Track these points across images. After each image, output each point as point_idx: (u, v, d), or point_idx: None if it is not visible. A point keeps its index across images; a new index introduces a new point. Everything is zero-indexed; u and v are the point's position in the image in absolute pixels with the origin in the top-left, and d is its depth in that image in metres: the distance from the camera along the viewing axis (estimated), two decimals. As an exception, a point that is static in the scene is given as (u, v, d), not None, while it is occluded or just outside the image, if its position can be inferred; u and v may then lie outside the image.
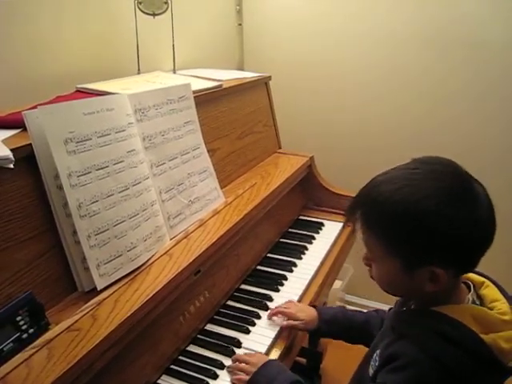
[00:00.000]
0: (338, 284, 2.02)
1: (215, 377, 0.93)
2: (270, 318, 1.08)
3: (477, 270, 0.76)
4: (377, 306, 1.25)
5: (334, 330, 1.06)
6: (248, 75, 1.64)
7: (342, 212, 1.35)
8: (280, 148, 1.73)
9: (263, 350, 1.00)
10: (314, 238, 1.48)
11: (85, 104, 0.90)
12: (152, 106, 1.07)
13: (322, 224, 1.56)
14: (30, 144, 0.81)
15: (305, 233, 1.51)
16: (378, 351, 0.78)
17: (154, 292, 0.86)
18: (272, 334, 1.05)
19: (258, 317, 1.10)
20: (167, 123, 1.11)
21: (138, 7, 1.38)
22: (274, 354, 1.01)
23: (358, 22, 1.89)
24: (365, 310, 1.08)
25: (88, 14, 1.32)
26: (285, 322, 1.06)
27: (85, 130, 0.88)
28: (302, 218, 1.62)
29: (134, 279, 0.90)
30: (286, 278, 1.26)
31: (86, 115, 0.89)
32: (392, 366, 0.70)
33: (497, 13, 1.69)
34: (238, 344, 1.01)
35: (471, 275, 0.78)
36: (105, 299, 0.83)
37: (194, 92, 1.21)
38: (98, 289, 0.85)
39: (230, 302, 1.16)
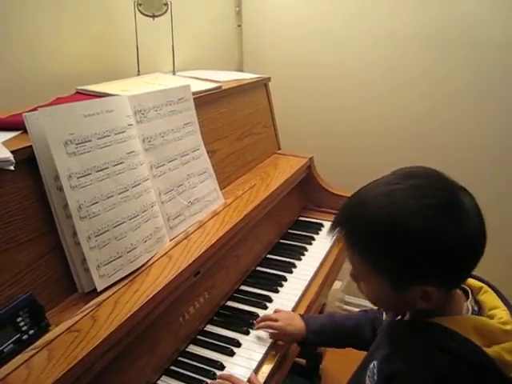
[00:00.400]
0: (337, 285, 2.02)
1: (215, 378, 0.93)
2: (257, 328, 1.06)
3: (474, 274, 0.73)
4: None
5: (323, 340, 1.04)
6: (247, 76, 1.64)
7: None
8: (279, 149, 1.73)
9: (262, 351, 1.01)
10: (313, 239, 1.49)
11: (85, 106, 0.91)
12: (152, 107, 1.07)
13: (321, 225, 1.57)
14: (31, 146, 0.82)
15: (304, 234, 1.51)
16: (375, 362, 0.76)
17: (153, 293, 0.86)
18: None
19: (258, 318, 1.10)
20: (167, 125, 1.11)
21: (138, 9, 1.38)
22: (273, 356, 1.01)
23: (358, 22, 1.90)
24: (357, 309, 1.06)
25: (88, 15, 1.33)
26: (270, 332, 1.04)
27: (85, 132, 0.89)
28: (301, 218, 1.62)
29: (134, 280, 0.90)
30: (285, 279, 1.27)
31: (86, 117, 0.89)
32: None
33: (496, 13, 1.69)
34: (238, 345, 1.02)
35: (469, 280, 0.75)
36: (105, 300, 0.83)
37: (194, 93, 1.22)
38: (98, 290, 0.86)
39: (229, 303, 1.16)
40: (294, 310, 1.16)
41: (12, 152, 0.77)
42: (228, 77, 1.56)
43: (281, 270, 1.31)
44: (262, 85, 1.67)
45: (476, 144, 1.83)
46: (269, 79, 1.69)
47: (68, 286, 0.86)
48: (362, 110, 2.00)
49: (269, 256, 1.38)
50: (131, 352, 0.84)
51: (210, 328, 1.07)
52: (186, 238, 1.06)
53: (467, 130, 1.83)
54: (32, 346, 0.72)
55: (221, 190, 1.26)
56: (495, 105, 1.78)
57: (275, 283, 1.25)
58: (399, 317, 0.80)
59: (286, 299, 1.18)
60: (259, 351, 1.01)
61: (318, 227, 1.55)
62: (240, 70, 2.12)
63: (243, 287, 1.23)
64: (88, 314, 0.79)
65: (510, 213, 1.78)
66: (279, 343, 1.04)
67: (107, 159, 0.92)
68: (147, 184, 1.01)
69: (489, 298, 0.74)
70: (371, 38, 1.89)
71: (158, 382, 0.92)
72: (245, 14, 2.08)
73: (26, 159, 0.81)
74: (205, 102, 1.29)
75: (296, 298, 1.19)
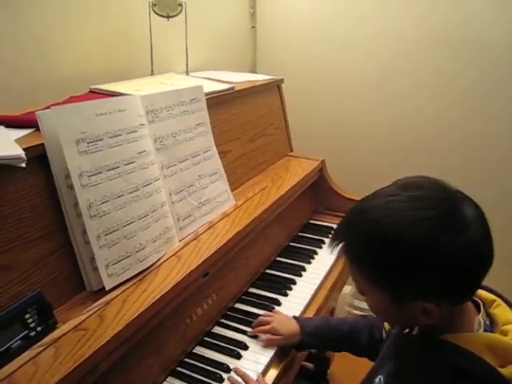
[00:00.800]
0: (347, 289, 2.00)
1: (221, 380, 0.93)
2: (252, 333, 1.05)
3: (486, 285, 0.71)
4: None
5: (318, 342, 1.03)
6: (260, 78, 1.64)
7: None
8: (291, 151, 1.73)
9: (270, 354, 1.00)
10: (323, 243, 1.47)
11: (97, 105, 0.91)
12: (164, 107, 1.07)
13: (332, 228, 1.55)
14: (43, 144, 0.82)
15: (315, 237, 1.50)
16: (380, 377, 0.74)
17: (161, 293, 0.86)
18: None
19: (266, 320, 1.09)
20: (179, 125, 1.11)
21: (153, 9, 1.39)
22: (280, 360, 1.01)
23: (369, 24, 1.90)
24: (359, 313, 1.05)
25: (103, 15, 1.34)
26: (264, 337, 1.03)
27: (96, 131, 0.89)
28: (312, 222, 1.61)
29: (142, 280, 0.90)
30: (294, 282, 1.26)
31: (98, 116, 0.90)
32: None
33: (503, 13, 1.69)
34: (245, 347, 1.01)
35: (480, 292, 0.72)
36: (113, 299, 0.83)
37: (206, 94, 1.21)
38: (107, 289, 0.86)
39: (238, 305, 1.16)
40: (302, 313, 1.15)
41: (24, 149, 0.77)
42: (241, 78, 1.55)
43: (290, 273, 1.30)
44: (275, 86, 1.66)
45: (482, 143, 1.82)
46: (282, 81, 1.68)
47: (76, 284, 0.87)
48: (373, 112, 1.99)
49: (278, 258, 1.37)
50: (138, 352, 0.84)
51: (217, 330, 1.07)
52: (195, 239, 1.05)
53: (474, 130, 1.83)
54: (39, 343, 0.72)
55: (232, 191, 1.25)
56: (501, 104, 1.77)
57: (284, 286, 1.24)
58: (407, 330, 0.78)
59: (294, 302, 1.18)
60: (266, 355, 1.00)
61: (328, 231, 1.54)
62: (253, 71, 2.12)
63: (252, 289, 1.22)
64: (95, 312, 0.80)
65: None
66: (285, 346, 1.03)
67: (118, 158, 0.92)
68: (158, 184, 1.01)
69: (502, 311, 0.71)
70: (382, 40, 1.89)
71: (164, 382, 0.92)
72: (259, 15, 2.08)
73: (38, 157, 0.81)
74: (217, 102, 1.29)
75: (305, 302, 1.18)
